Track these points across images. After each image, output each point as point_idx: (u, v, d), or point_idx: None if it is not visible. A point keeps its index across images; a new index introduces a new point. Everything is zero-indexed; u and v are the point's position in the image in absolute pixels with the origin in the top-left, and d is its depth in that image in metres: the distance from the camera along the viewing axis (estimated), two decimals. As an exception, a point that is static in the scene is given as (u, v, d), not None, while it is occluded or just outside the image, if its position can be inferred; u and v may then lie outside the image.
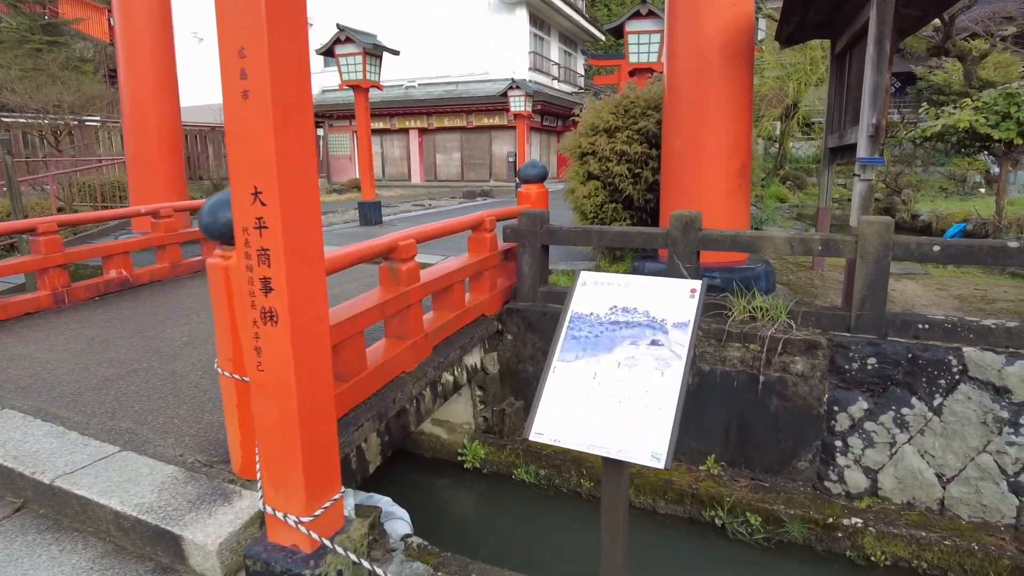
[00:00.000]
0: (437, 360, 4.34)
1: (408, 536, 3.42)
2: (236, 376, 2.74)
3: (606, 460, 1.70)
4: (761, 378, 4.48)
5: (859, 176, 4.78)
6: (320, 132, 25.90)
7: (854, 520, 4.05)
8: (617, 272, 6.85)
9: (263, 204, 1.88)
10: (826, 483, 4.39)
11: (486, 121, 25.23)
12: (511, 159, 24.87)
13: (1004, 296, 5.58)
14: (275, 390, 2.01)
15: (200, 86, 20.74)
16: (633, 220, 6.62)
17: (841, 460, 4.33)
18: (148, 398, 3.83)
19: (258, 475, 2.31)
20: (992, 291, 5.80)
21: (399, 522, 3.60)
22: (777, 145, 19.30)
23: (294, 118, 1.90)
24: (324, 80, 25.68)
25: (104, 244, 7.60)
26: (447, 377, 4.57)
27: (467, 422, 5.23)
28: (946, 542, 3.86)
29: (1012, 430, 3.95)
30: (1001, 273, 6.83)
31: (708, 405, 4.68)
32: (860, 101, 4.69)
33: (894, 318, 4.29)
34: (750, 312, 4.61)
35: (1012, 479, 3.96)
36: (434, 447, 5.32)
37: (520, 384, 5.34)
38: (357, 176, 25.40)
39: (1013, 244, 3.99)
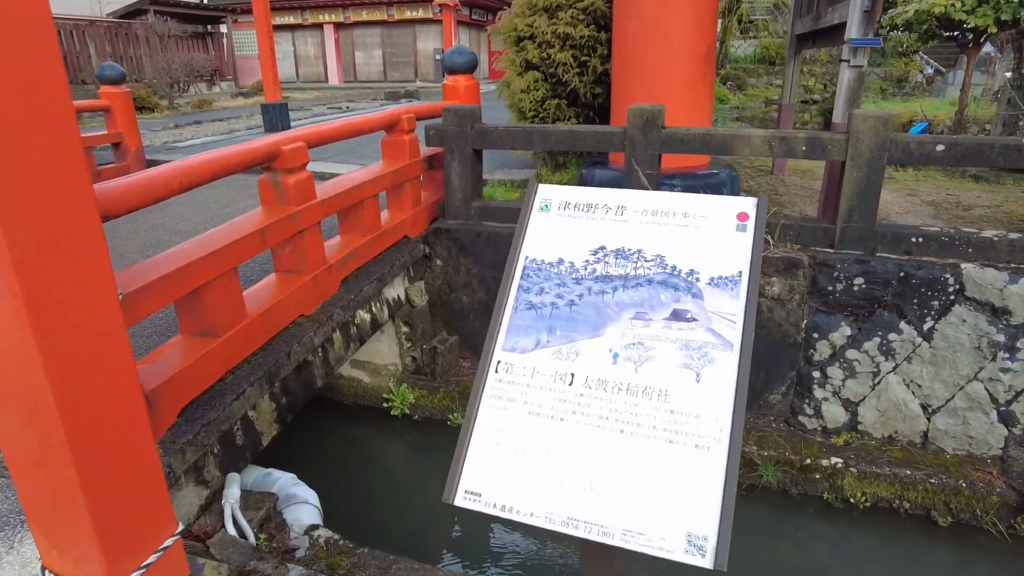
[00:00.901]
0: (347, 297, 3.49)
1: (315, 528, 2.70)
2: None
3: (587, 542, 0.95)
4: (732, 304, 3.85)
5: (848, 62, 4.04)
6: (223, 29, 23.07)
7: (833, 460, 3.60)
8: (560, 180, 6.03)
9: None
10: (800, 418, 3.91)
11: (409, 14, 23.04)
12: (438, 57, 22.96)
13: (978, 202, 5.12)
14: (23, 410, 1.15)
15: (69, -33, 17.69)
16: (580, 119, 5.73)
17: (819, 392, 3.83)
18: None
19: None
20: (964, 196, 5.34)
21: (304, 507, 2.86)
22: (719, 44, 18.39)
23: None
24: (221, -36, 22.63)
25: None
26: (363, 315, 3.74)
27: (393, 363, 4.46)
28: (931, 480, 3.46)
29: (1008, 355, 3.50)
30: (963, 176, 6.41)
31: (670, 335, 4.05)
32: (855, -33, 3.87)
33: (885, 231, 3.70)
34: (720, 227, 3.92)
35: (1003, 408, 3.56)
36: (355, 393, 4.55)
37: (453, 317, 4.57)
38: (266, 77, 23.01)
39: (1028, 141, 3.39)
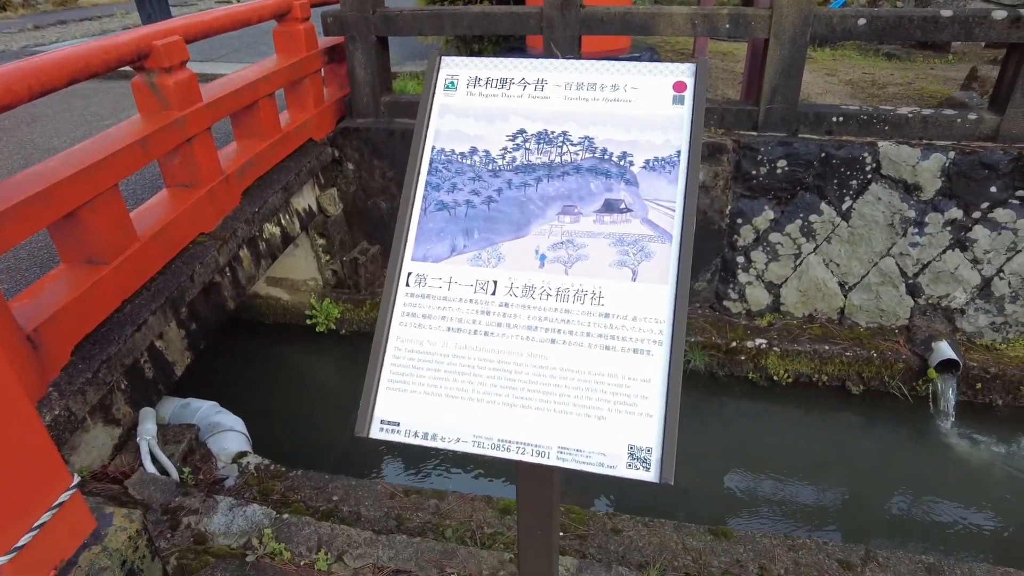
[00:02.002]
0: (250, 210, 3.20)
1: (243, 455, 2.57)
2: None
3: (523, 464, 0.85)
4: (658, 194, 3.79)
5: (772, -71, 3.82)
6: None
7: (758, 342, 3.73)
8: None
9: None
10: (725, 303, 4.00)
11: None
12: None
13: (892, 79, 5.16)
14: None
15: None
16: (493, 1, 5.32)
17: (743, 277, 3.91)
18: None
19: None
20: (879, 74, 5.37)
21: (229, 435, 2.71)
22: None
23: None
24: None
25: None
26: (271, 229, 3.46)
27: (312, 278, 4.23)
28: (847, 353, 3.65)
29: (917, 230, 3.63)
30: (876, 55, 6.44)
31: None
32: None
33: (807, 110, 3.66)
34: (645, 114, 3.78)
35: (911, 280, 3.73)
36: (274, 311, 4.32)
37: (372, 225, 4.33)
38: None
39: (946, 13, 3.35)
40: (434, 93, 0.91)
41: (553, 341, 0.80)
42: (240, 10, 3.29)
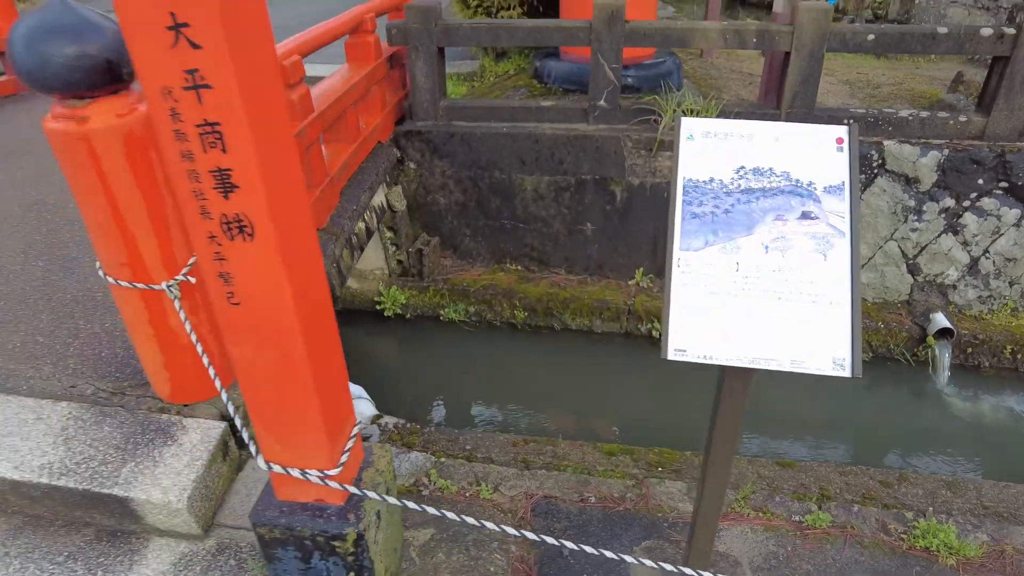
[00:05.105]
0: (349, 208, 3.63)
1: (378, 417, 3.04)
2: (140, 285, 1.98)
3: (729, 368, 1.37)
4: (693, 188, 4.30)
5: (790, -47, 4.34)
6: None
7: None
8: (505, 72, 6.10)
9: (194, 46, 1.08)
10: (749, 283, 4.54)
11: None
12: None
13: (884, 80, 5.74)
14: (264, 329, 1.38)
15: None
16: (525, 8, 5.76)
17: (766, 261, 4.45)
18: (-26, 309, 2.83)
19: (240, 429, 1.73)
20: (872, 74, 5.95)
21: (361, 402, 3.18)
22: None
23: None
24: None
25: None
26: (359, 226, 3.90)
27: (379, 267, 4.67)
28: (857, 324, 4.22)
29: (916, 217, 4.21)
30: (866, 54, 7.02)
31: (636, 219, 4.50)
32: None
33: (822, 114, 4.20)
34: (680, 117, 4.27)
35: (911, 261, 4.32)
36: (345, 299, 4.75)
37: (432, 218, 4.77)
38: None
39: (942, 30, 3.91)
40: (679, 142, 1.39)
41: (779, 299, 1.29)
42: (333, 26, 3.71)
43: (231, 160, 1.19)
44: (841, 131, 1.38)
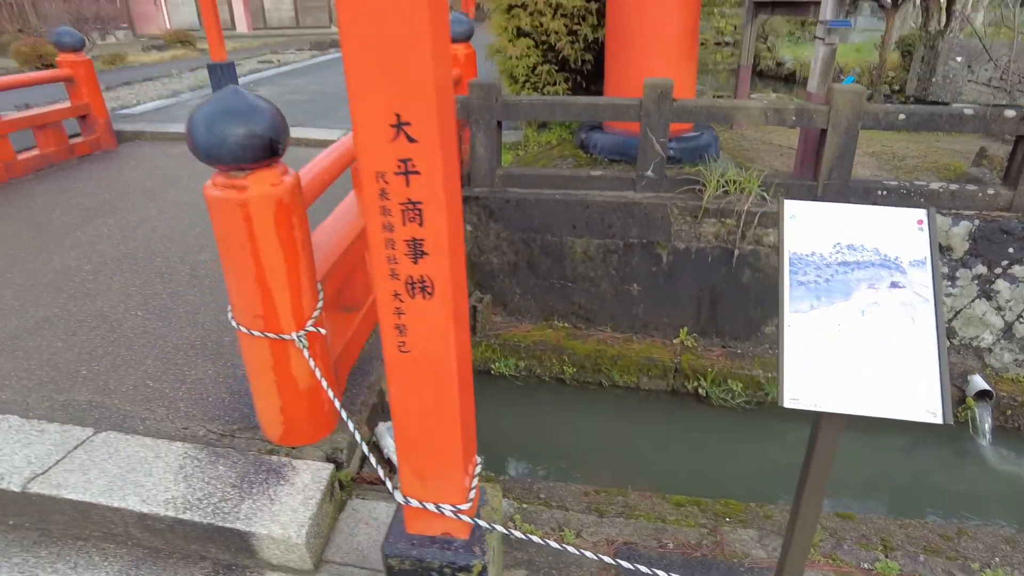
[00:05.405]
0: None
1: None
2: (271, 335, 2.22)
3: (827, 416, 1.57)
4: (736, 252, 4.56)
5: (823, 40, 4.71)
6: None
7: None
8: (548, 141, 6.48)
9: (411, 140, 1.35)
10: (790, 344, 4.72)
11: (321, -44, 22.03)
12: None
13: (908, 152, 6.05)
14: (428, 375, 1.60)
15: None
16: (569, 83, 6.18)
17: (806, 322, 4.64)
18: (90, 356, 3.07)
19: (376, 470, 1.91)
20: (895, 147, 6.27)
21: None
22: None
23: (440, 11, 1.32)
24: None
25: None
26: (426, 282, 4.15)
27: (434, 322, 4.89)
28: (897, 385, 4.37)
29: (950, 283, 4.42)
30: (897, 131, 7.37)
31: (681, 281, 4.73)
32: (829, -44, 4.50)
33: (857, 185, 4.48)
34: (723, 186, 4.58)
35: (947, 325, 4.49)
36: (398, 351, 4.97)
37: (486, 278, 5.04)
38: (169, 26, 21.46)
39: (969, 111, 4.21)
40: (783, 221, 1.64)
41: (876, 355, 1.51)
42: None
43: (425, 232, 1.44)
44: (921, 214, 1.62)
